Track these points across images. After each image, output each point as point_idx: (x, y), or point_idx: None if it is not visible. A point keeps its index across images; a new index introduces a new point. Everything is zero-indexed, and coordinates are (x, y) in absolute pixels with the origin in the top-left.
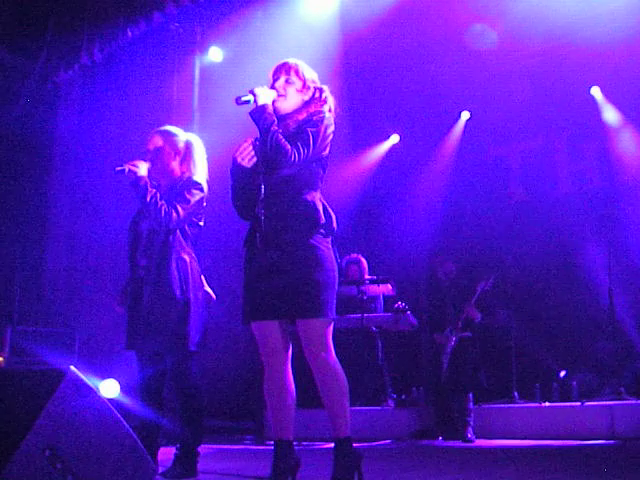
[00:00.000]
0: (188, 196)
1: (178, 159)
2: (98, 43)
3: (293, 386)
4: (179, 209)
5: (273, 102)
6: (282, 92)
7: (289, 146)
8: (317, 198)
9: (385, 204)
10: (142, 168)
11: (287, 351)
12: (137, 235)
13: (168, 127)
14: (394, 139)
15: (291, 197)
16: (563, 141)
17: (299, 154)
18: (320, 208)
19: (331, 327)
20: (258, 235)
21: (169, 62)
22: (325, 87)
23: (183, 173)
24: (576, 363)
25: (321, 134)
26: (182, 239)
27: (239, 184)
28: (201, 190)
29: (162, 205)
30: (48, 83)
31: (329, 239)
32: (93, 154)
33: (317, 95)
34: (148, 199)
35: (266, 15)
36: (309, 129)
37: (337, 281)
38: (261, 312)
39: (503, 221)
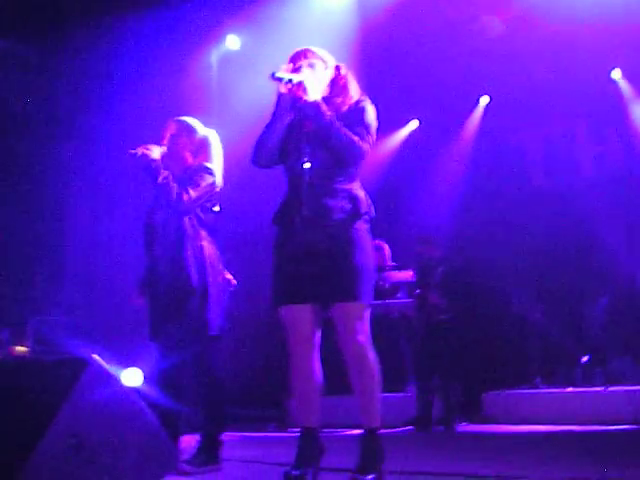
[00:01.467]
0: (199, 180)
1: (192, 150)
2: (111, 30)
3: (320, 373)
4: (190, 191)
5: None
6: (314, 83)
7: (356, 138)
8: (358, 185)
9: (405, 190)
10: (155, 152)
11: (316, 338)
12: (152, 227)
13: (188, 118)
14: (413, 124)
15: (334, 184)
16: (584, 124)
17: (369, 145)
18: (362, 196)
19: (369, 313)
20: (298, 219)
21: (186, 50)
22: (341, 64)
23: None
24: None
25: (373, 122)
26: (197, 225)
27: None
28: (212, 175)
29: (173, 187)
30: (55, 72)
31: (368, 226)
32: (110, 143)
33: (336, 73)
34: (160, 180)
35: (283, 2)
36: (365, 118)
37: (376, 267)
38: (296, 295)
39: (523, 205)
